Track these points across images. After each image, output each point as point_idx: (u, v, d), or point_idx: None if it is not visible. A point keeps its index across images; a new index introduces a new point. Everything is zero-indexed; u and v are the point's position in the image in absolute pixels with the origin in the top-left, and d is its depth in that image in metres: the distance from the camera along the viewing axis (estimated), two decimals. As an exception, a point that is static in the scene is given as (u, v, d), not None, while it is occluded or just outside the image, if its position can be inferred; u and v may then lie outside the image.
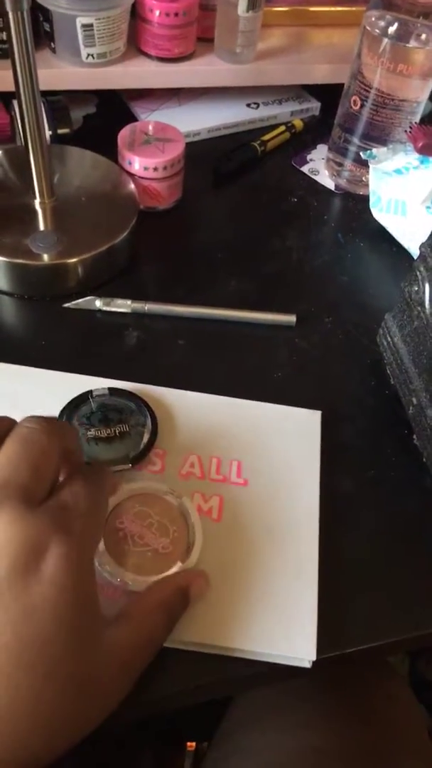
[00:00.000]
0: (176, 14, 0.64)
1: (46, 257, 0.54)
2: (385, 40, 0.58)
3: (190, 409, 0.48)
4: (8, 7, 0.44)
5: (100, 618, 0.32)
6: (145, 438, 0.45)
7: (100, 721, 0.31)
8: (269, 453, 0.46)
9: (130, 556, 0.39)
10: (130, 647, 0.33)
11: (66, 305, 0.55)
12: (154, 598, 0.36)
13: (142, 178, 0.61)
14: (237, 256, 0.62)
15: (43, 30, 0.63)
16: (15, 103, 0.57)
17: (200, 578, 0.38)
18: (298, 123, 0.76)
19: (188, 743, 0.73)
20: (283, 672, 0.38)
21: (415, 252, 0.61)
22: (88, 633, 0.30)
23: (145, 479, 0.43)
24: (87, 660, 0.30)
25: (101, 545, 0.38)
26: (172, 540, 0.40)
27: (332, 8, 0.75)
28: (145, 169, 0.60)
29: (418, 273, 0.47)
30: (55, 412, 0.45)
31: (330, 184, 0.71)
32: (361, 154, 0.63)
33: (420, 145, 0.58)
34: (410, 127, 0.61)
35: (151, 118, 0.73)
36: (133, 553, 0.39)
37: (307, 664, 0.38)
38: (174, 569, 0.39)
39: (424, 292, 0.46)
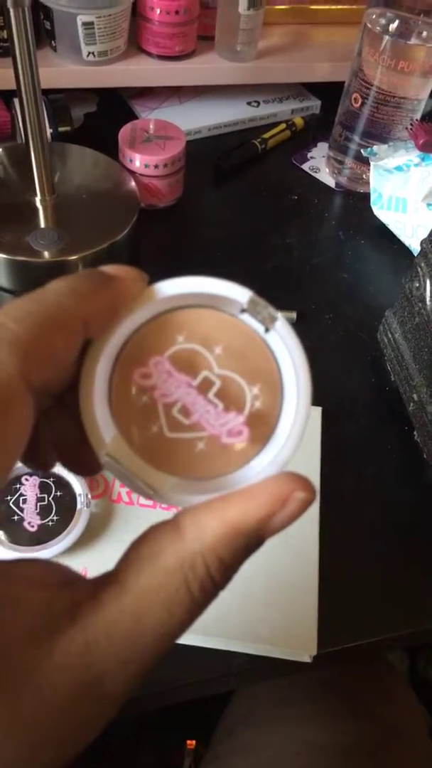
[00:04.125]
0: (177, 12, 0.64)
1: (46, 254, 0.54)
2: (386, 38, 0.58)
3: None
4: (9, 4, 0.45)
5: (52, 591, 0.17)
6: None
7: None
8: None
9: (158, 446, 0.19)
10: (121, 641, 0.16)
11: (67, 302, 0.55)
12: (188, 547, 0.18)
13: (143, 175, 0.61)
14: (237, 253, 0.62)
15: (44, 28, 0.63)
16: (16, 101, 0.57)
17: (292, 497, 0.18)
18: (298, 121, 0.76)
19: (188, 741, 0.73)
20: (284, 667, 0.38)
21: (415, 249, 0.61)
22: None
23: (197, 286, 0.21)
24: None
25: (96, 408, 0.19)
26: (251, 417, 0.19)
27: (333, 6, 0.75)
28: (146, 166, 0.60)
29: (419, 269, 0.47)
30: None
31: (330, 181, 0.71)
32: (362, 151, 0.63)
33: (421, 142, 0.58)
34: (411, 125, 0.61)
35: (151, 116, 0.73)
36: (165, 441, 0.19)
37: (308, 659, 0.38)
38: (242, 477, 0.19)
39: (425, 288, 0.46)
